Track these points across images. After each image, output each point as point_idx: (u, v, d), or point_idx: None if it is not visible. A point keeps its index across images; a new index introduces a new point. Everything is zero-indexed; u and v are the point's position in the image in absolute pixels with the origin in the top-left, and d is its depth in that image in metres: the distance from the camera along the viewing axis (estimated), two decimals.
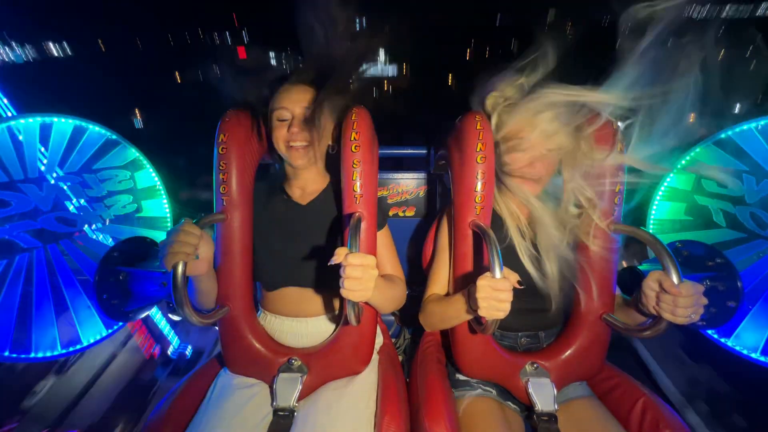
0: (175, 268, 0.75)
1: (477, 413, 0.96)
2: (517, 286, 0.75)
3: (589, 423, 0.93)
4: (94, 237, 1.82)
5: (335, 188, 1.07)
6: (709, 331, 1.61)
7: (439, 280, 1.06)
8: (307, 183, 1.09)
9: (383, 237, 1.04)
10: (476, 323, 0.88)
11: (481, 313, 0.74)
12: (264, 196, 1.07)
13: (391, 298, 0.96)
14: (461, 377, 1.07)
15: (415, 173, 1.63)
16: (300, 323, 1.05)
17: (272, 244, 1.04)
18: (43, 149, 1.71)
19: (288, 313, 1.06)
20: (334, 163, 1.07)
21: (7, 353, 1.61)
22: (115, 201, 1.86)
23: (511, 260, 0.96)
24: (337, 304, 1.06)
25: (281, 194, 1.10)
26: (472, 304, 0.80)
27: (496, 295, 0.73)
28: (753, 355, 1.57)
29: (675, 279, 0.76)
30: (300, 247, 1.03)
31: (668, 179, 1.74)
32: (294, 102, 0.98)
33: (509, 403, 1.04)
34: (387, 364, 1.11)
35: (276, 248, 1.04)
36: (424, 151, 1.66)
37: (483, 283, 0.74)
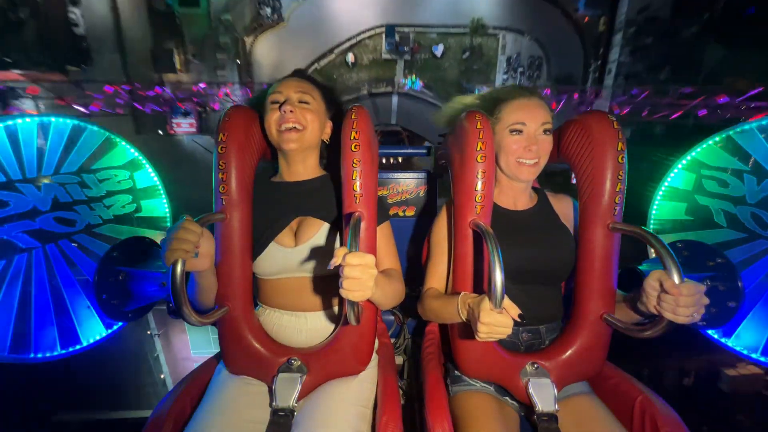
0: (174, 265, 0.75)
1: (474, 409, 0.96)
2: (517, 320, 0.75)
3: (588, 421, 0.93)
4: (94, 237, 1.81)
5: (334, 183, 1.07)
6: (710, 331, 1.61)
7: (437, 273, 1.07)
8: (301, 176, 1.09)
9: (383, 232, 1.04)
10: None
11: (479, 338, 0.75)
12: (259, 188, 1.06)
13: (390, 294, 0.96)
14: (460, 374, 1.07)
15: (415, 173, 1.63)
16: (298, 318, 1.05)
17: (268, 226, 1.03)
18: (41, 149, 1.71)
19: (286, 306, 1.05)
20: (331, 164, 1.07)
21: (6, 353, 1.61)
22: (115, 201, 1.86)
23: (511, 251, 0.97)
24: (335, 300, 1.05)
25: (274, 182, 1.11)
26: (469, 321, 0.81)
27: (495, 329, 0.73)
28: (753, 356, 1.57)
29: (676, 279, 0.76)
30: (292, 214, 1.04)
31: (669, 179, 1.74)
32: (288, 87, 1.01)
33: (507, 399, 1.04)
34: (386, 364, 1.11)
35: (270, 226, 1.03)
36: (425, 151, 1.66)
37: (486, 318, 0.73)
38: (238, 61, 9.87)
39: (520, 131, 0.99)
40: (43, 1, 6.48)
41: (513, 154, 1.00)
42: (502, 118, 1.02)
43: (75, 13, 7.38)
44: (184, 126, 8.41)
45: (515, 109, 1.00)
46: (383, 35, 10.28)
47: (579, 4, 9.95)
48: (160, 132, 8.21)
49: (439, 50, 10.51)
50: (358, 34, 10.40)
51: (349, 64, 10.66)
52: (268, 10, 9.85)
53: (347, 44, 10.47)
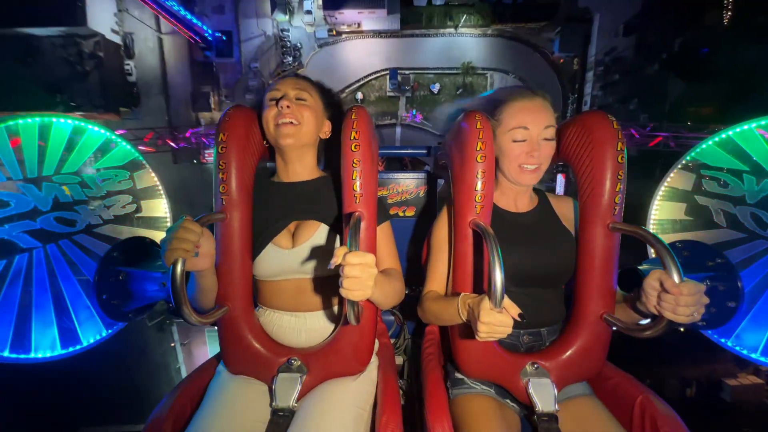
0: (174, 264, 0.75)
1: (475, 411, 0.96)
2: (517, 319, 0.75)
3: (589, 422, 0.93)
4: (94, 237, 1.81)
5: (334, 183, 1.07)
6: (709, 331, 1.61)
7: (437, 276, 1.06)
8: (299, 177, 1.09)
9: (384, 232, 1.04)
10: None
11: (479, 338, 0.75)
12: (258, 189, 1.06)
13: (390, 294, 0.96)
14: (460, 376, 1.07)
15: (415, 173, 1.63)
16: (298, 319, 1.05)
17: (266, 228, 1.03)
18: (42, 149, 1.71)
19: (286, 308, 1.05)
20: (331, 164, 1.07)
21: (6, 353, 1.61)
22: (115, 201, 1.86)
23: (511, 254, 0.97)
24: (335, 300, 1.05)
25: (273, 182, 1.11)
26: (470, 321, 0.81)
27: (495, 328, 0.73)
28: (753, 356, 1.57)
29: (676, 278, 0.76)
30: (291, 216, 1.03)
31: (668, 179, 1.74)
32: (287, 84, 1.03)
33: (508, 401, 1.04)
34: (386, 365, 1.11)
35: (269, 228, 1.03)
36: (425, 151, 1.66)
37: (486, 317, 0.73)
38: None
39: (523, 139, 0.97)
40: (105, 56, 8.09)
41: (515, 160, 0.98)
42: (504, 120, 0.99)
43: (130, 64, 9.08)
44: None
45: (517, 112, 0.97)
46: (387, 77, 12.42)
47: (554, 47, 11.83)
48: (195, 161, 9.77)
49: (435, 88, 12.56)
50: (366, 76, 12.54)
51: (358, 101, 12.59)
52: (290, 59, 12.20)
53: (356, 85, 12.58)
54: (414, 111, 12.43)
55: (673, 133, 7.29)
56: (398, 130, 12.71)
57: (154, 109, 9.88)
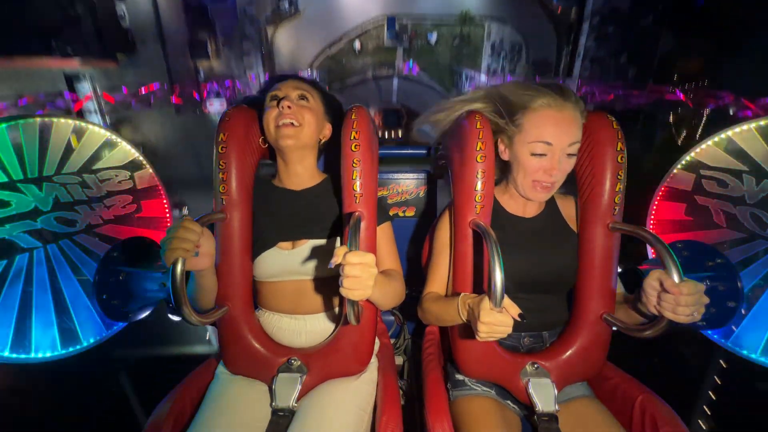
0: (174, 264, 0.75)
1: (475, 412, 0.96)
2: (517, 319, 0.74)
3: (589, 422, 0.93)
4: (94, 237, 1.82)
5: (335, 186, 1.07)
6: (709, 332, 1.61)
7: (438, 277, 1.05)
8: (301, 178, 1.09)
9: (384, 233, 1.04)
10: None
11: (479, 338, 0.75)
12: (258, 191, 1.07)
13: (390, 294, 0.95)
14: (461, 377, 1.07)
15: (415, 173, 1.63)
16: (297, 321, 1.05)
17: (266, 232, 1.03)
18: (42, 149, 1.71)
19: (285, 310, 1.05)
20: (332, 167, 1.08)
21: (6, 353, 1.61)
22: (115, 201, 1.86)
23: (519, 260, 0.97)
24: (335, 302, 1.05)
25: (275, 186, 1.11)
26: (470, 322, 0.81)
27: (496, 328, 0.72)
28: (753, 356, 1.57)
29: (676, 278, 0.76)
30: (295, 235, 1.03)
31: (669, 179, 1.74)
32: (288, 86, 1.03)
33: (509, 402, 1.04)
34: (386, 365, 1.11)
35: (270, 236, 1.03)
36: (425, 151, 1.67)
37: (486, 317, 0.72)
38: (262, 50, 11.75)
39: (543, 153, 0.90)
40: None
41: (531, 176, 0.93)
42: (524, 128, 0.91)
43: (122, 8, 8.65)
44: (216, 105, 9.92)
45: (541, 122, 0.89)
46: (385, 26, 12.15)
47: None
48: (197, 112, 9.63)
49: (433, 38, 12.31)
50: (364, 24, 12.20)
51: (356, 51, 12.42)
52: (286, 3, 11.64)
53: (354, 33, 12.27)
54: (411, 61, 12.33)
55: (618, 91, 7.91)
56: (395, 81, 12.63)
57: (152, 56, 9.50)
